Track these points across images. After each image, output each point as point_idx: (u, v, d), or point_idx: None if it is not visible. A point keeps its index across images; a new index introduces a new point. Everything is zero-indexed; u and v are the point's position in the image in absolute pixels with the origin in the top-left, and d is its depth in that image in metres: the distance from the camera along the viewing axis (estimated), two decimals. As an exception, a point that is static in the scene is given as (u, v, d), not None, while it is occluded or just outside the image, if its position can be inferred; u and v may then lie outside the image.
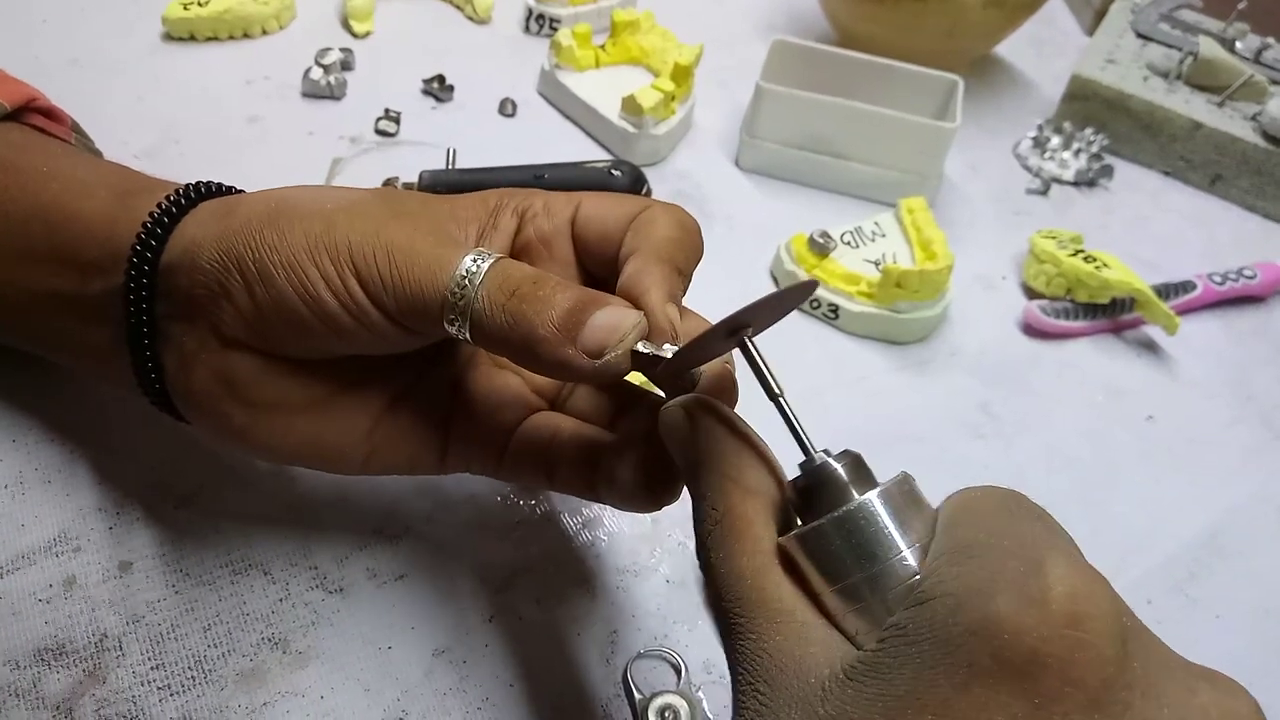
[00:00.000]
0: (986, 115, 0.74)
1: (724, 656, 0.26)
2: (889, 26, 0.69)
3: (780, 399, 0.27)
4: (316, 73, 0.63)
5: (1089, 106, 0.71)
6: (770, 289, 0.58)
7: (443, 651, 0.39)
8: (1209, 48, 0.70)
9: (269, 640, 0.38)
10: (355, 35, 0.69)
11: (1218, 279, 0.62)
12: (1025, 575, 0.22)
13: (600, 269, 0.34)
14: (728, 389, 0.31)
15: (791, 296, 0.28)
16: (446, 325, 0.30)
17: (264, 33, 0.67)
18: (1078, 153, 0.70)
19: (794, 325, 0.56)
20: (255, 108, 0.62)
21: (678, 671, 0.39)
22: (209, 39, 0.65)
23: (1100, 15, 0.81)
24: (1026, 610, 0.21)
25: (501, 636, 0.39)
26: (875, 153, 0.62)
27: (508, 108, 0.65)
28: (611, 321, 0.28)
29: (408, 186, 0.55)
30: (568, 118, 0.66)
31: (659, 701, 0.37)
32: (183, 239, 0.33)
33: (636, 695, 0.37)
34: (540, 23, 0.72)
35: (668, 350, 0.29)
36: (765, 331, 0.29)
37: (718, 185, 0.63)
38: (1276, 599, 0.47)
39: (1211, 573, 0.48)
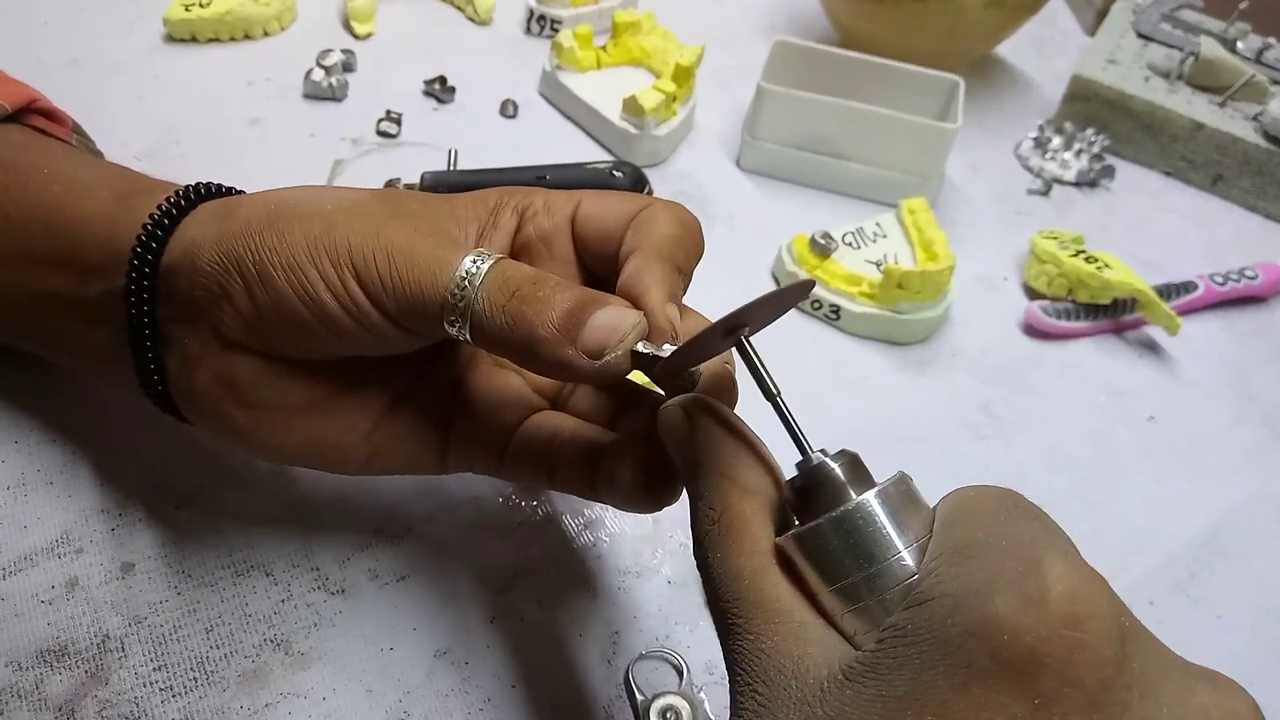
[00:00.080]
0: (987, 116, 0.73)
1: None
2: (890, 27, 0.69)
3: (777, 399, 0.27)
4: (318, 74, 0.63)
5: (1090, 107, 0.71)
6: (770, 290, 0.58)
7: (444, 652, 0.39)
8: (1210, 48, 0.70)
9: (271, 641, 0.38)
10: (356, 36, 0.69)
11: (1219, 279, 0.62)
12: (1023, 575, 0.22)
13: (601, 267, 0.33)
14: (727, 389, 0.31)
15: (789, 296, 0.28)
16: (446, 326, 0.30)
17: (265, 34, 0.67)
18: (1079, 153, 0.70)
19: (795, 326, 0.56)
20: (256, 109, 0.62)
21: (680, 673, 0.39)
22: (210, 40, 0.66)
23: (1101, 15, 0.81)
24: (1025, 610, 0.21)
25: (503, 637, 0.39)
26: (876, 153, 0.62)
27: (509, 109, 0.66)
28: (611, 322, 0.28)
29: (409, 188, 0.55)
30: (569, 119, 0.66)
31: (661, 703, 0.37)
32: (183, 241, 0.33)
33: (638, 696, 0.37)
34: (541, 24, 0.72)
35: (667, 350, 0.29)
36: (764, 332, 0.29)
37: (719, 186, 0.63)
38: (1277, 599, 0.47)
39: (1212, 573, 0.48)
